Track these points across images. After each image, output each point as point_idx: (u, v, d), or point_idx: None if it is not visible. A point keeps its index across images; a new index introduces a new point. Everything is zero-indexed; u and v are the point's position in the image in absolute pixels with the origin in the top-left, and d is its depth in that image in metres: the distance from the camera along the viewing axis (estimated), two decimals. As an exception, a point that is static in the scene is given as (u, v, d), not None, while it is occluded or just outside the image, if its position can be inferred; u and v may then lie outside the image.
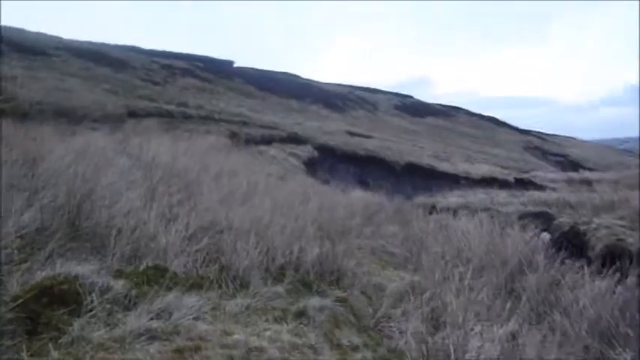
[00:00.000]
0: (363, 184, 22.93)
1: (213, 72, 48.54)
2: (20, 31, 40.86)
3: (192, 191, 6.64)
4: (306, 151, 26.26)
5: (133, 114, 21.79)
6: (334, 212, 7.32)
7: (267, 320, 3.52)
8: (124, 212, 5.16)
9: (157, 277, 3.75)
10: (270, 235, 4.92)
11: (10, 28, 40.55)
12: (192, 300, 3.42)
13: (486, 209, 17.08)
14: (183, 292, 3.54)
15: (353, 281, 4.85)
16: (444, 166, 32.93)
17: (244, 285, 4.14)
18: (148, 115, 22.54)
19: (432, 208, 16.02)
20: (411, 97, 77.51)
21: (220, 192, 6.74)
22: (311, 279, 4.61)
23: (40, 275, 3.43)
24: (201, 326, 3.17)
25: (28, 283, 3.29)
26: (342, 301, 4.19)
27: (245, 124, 27.77)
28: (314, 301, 3.87)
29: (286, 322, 3.54)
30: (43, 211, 5.05)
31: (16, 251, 3.99)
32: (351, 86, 71.02)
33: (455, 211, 12.47)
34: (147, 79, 35.59)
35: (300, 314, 3.71)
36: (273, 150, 23.87)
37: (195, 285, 3.81)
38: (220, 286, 4.01)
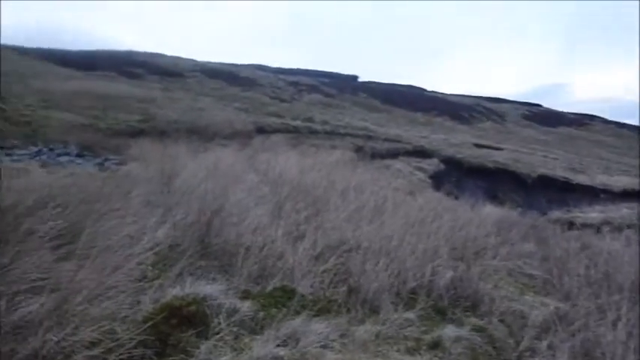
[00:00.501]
0: (493, 198, 21.95)
1: (338, 87, 49.21)
2: (160, 56, 44.02)
3: (319, 208, 6.54)
4: (433, 164, 25.67)
5: (261, 130, 22.48)
6: (467, 230, 6.90)
7: (398, 350, 3.26)
8: (251, 229, 5.14)
9: (284, 299, 3.63)
10: (400, 256, 4.65)
11: (150, 54, 43.88)
12: (320, 326, 3.24)
13: (632, 226, 15.69)
14: (311, 317, 3.38)
15: (491, 308, 4.45)
16: (579, 179, 30.84)
17: (374, 310, 3.91)
18: (276, 131, 23.16)
19: (570, 224, 15.00)
20: (540, 105, 73.81)
21: (347, 209, 6.58)
22: (445, 305, 4.28)
23: (170, 293, 3.43)
24: (330, 355, 2.99)
25: (159, 302, 3.29)
26: (479, 330, 3.83)
27: (370, 137, 27.73)
28: (449, 331, 3.56)
29: (419, 354, 3.27)
30: (175, 227, 5.17)
31: (150, 268, 4.06)
32: (476, 97, 69.00)
33: (597, 228, 11.47)
34: (274, 97, 36.72)
35: (435, 345, 3.41)
36: (398, 164, 23.58)
37: (323, 309, 3.64)
38: (349, 311, 3.81)
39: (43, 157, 12.62)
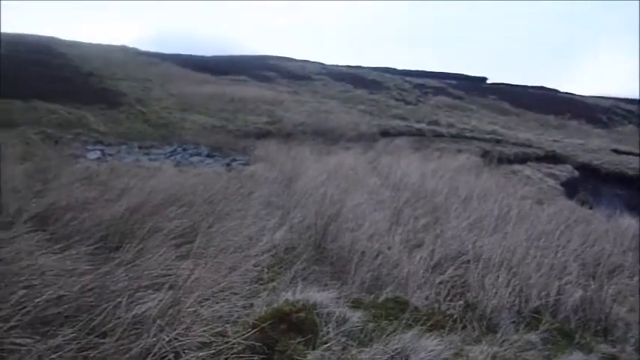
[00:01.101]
0: (633, 209, 20.28)
1: (466, 89, 47.90)
2: (289, 60, 45.28)
3: (438, 215, 6.33)
4: (565, 170, 24.17)
5: (385, 133, 22.33)
6: (601, 245, 6.37)
7: (517, 376, 3.02)
8: (368, 235, 5.07)
9: (396, 311, 3.51)
10: (523, 271, 4.35)
11: (280, 58, 45.29)
12: (431, 342, 3.07)
13: None
14: (423, 332, 3.21)
15: (625, 334, 4.03)
16: None
17: (491, 328, 3.66)
18: (400, 134, 22.91)
19: None
20: (692, 107, 67.26)
21: (469, 217, 6.31)
22: (572, 328, 3.93)
23: (283, 297, 3.43)
24: (440, 376, 2.82)
25: (271, 305, 3.30)
26: (611, 359, 3.47)
27: (498, 142, 26.69)
28: (576, 358, 3.24)
29: (542, 381, 3.01)
30: (292, 230, 5.21)
31: (265, 269, 4.11)
32: (616, 98, 64.15)
33: None
34: (400, 99, 36.44)
35: (560, 373, 3.13)
36: (527, 169, 22.45)
37: (437, 324, 3.45)
38: (464, 327, 3.60)
39: (177, 156, 13.41)
